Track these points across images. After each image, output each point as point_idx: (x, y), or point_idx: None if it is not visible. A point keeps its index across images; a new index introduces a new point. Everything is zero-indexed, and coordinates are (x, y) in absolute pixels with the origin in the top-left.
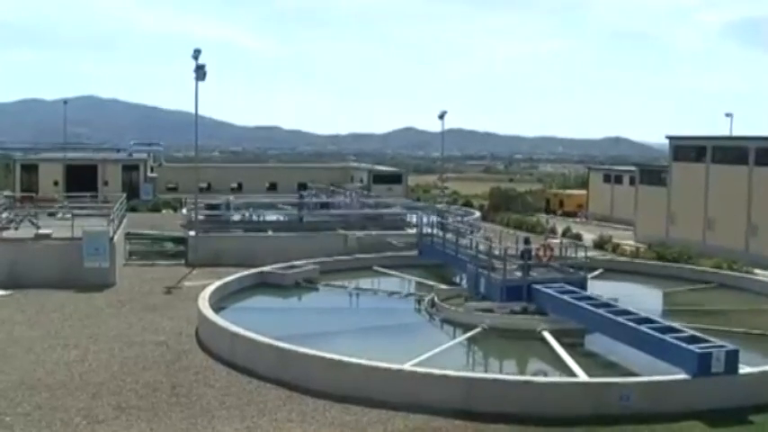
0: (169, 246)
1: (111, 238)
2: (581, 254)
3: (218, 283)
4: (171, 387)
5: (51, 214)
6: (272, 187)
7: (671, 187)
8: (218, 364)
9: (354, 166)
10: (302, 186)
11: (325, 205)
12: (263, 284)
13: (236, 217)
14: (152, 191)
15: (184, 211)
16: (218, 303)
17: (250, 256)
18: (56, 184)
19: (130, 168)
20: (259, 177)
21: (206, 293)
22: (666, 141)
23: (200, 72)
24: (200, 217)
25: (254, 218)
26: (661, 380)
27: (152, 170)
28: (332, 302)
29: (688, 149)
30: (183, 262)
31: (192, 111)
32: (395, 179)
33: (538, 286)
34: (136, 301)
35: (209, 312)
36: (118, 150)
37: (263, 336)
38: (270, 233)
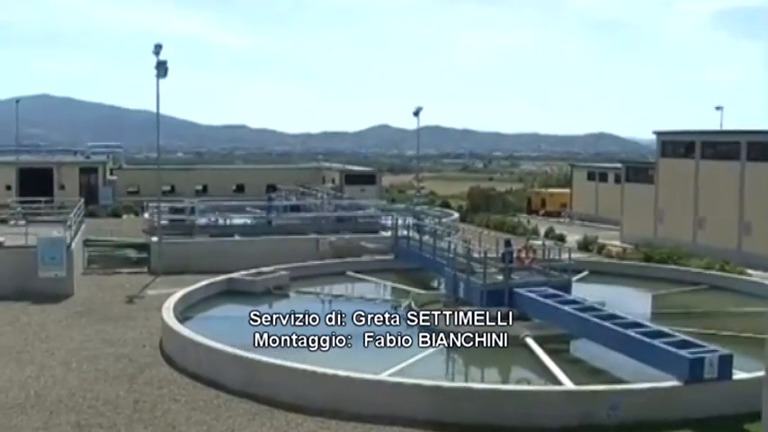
0: (131, 253)
1: (69, 246)
2: (565, 256)
3: (183, 292)
4: (133, 402)
5: (3, 221)
6: (240, 189)
7: (659, 185)
8: (183, 377)
9: (326, 167)
10: (271, 188)
11: (295, 208)
12: (231, 292)
13: (202, 221)
14: (112, 195)
15: (147, 215)
16: (184, 313)
17: (217, 262)
18: (8, 188)
19: (88, 171)
20: (225, 179)
21: (170, 303)
22: (653, 136)
23: (162, 68)
24: (164, 222)
25: (221, 222)
26: (651, 387)
27: (111, 173)
28: (303, 310)
29: (676, 145)
30: (145, 270)
31: (154, 110)
32: (369, 179)
33: (520, 290)
34: (95, 312)
35: (173, 322)
36: (75, 152)
37: (230, 346)
38: (237, 238)
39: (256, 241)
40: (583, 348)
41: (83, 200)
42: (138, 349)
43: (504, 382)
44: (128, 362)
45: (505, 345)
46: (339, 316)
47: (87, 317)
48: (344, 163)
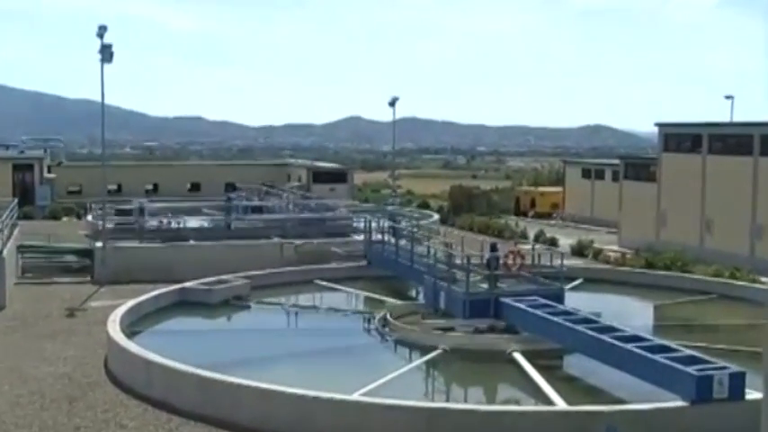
0: (71, 259)
1: (0, 252)
2: (557, 262)
3: (130, 303)
4: (74, 429)
5: None
6: (195, 188)
7: (661, 183)
8: (131, 398)
9: (292, 163)
10: (230, 187)
11: (257, 209)
12: (185, 303)
13: (152, 224)
14: (50, 194)
15: (90, 217)
16: (132, 327)
17: (169, 269)
18: None
19: (23, 168)
20: (179, 177)
21: (116, 315)
22: (655, 129)
23: (107, 53)
24: (109, 225)
25: (174, 225)
26: (653, 408)
27: (49, 170)
28: (266, 323)
29: (681, 138)
30: (88, 279)
31: (98, 99)
32: (339, 177)
33: (507, 300)
34: (31, 326)
35: (120, 338)
36: (7, 147)
37: (184, 364)
38: (192, 243)
39: (214, 246)
40: (577, 364)
41: (16, 200)
42: (80, 368)
43: (490, 401)
44: (68, 382)
45: (491, 360)
46: (306, 329)
47: (21, 332)
48: (312, 159)
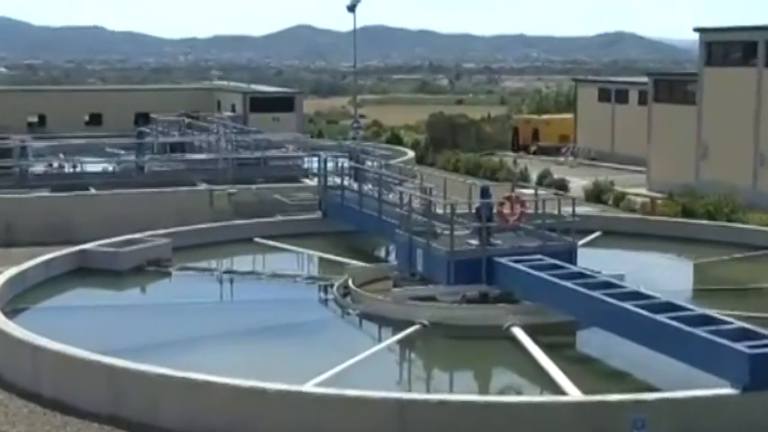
0: None
1: None
2: (567, 210)
3: (12, 272)
4: None
5: None
6: (95, 121)
7: (703, 106)
8: (13, 397)
9: (221, 87)
10: (142, 119)
11: (177, 147)
12: (85, 271)
13: (39, 168)
14: None
15: None
16: (14, 303)
17: (63, 227)
18: None
19: None
20: (73, 106)
21: None
22: (695, 36)
23: None
24: None
25: (68, 169)
26: (693, 396)
27: None
28: (192, 294)
29: (728, 47)
30: None
31: None
32: (284, 105)
33: (503, 260)
34: None
35: None
36: None
37: (86, 350)
38: (93, 192)
39: (121, 196)
40: (593, 342)
41: None
42: None
43: (483, 391)
44: None
45: (483, 338)
46: (244, 302)
47: None
48: (249, 82)
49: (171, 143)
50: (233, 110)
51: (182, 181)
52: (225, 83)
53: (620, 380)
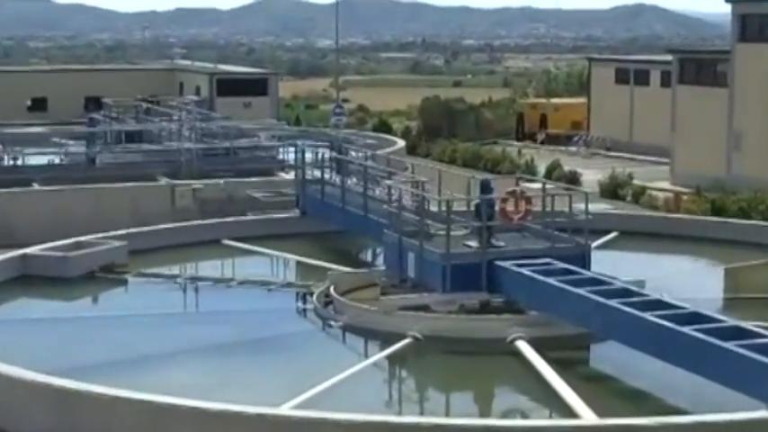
0: None
1: None
2: (579, 207)
3: None
4: None
5: None
6: (38, 106)
7: (736, 88)
8: None
9: (185, 67)
10: (93, 104)
11: (134, 136)
12: (28, 278)
13: None
14: None
15: None
16: None
17: (1, 228)
18: None
19: None
20: (13, 90)
21: None
22: (727, 8)
23: None
24: None
25: (8, 161)
26: (725, 420)
27: None
28: (152, 305)
29: (766, 21)
30: None
31: None
32: (256, 87)
33: (506, 264)
34: None
35: None
36: None
37: (30, 370)
38: (37, 188)
39: (69, 193)
40: (610, 357)
41: None
42: None
43: (484, 413)
44: None
45: (484, 353)
46: (211, 313)
47: None
48: (215, 61)
49: (126, 132)
50: (197, 93)
51: (139, 175)
52: (188, 62)
53: (641, 401)
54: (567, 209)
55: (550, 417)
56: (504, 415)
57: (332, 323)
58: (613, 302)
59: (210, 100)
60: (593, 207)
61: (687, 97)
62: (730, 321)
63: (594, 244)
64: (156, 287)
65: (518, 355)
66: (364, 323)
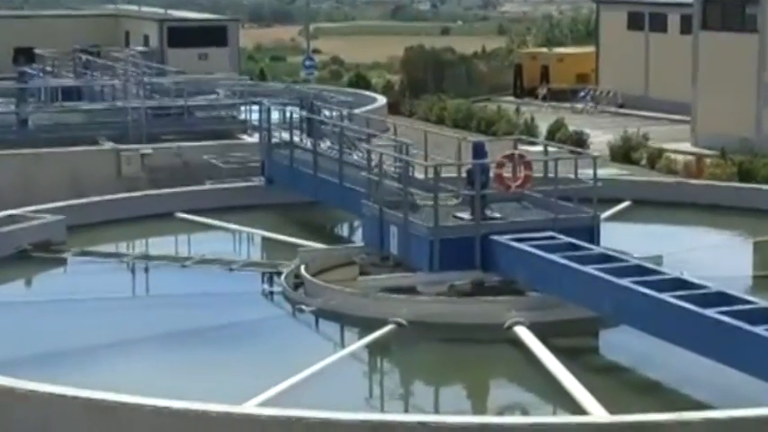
0: None
1: None
2: (587, 173)
3: None
4: None
5: None
6: None
7: (767, 34)
8: None
9: (130, 13)
10: (24, 56)
11: (73, 93)
12: None
13: None
14: None
15: None
16: None
17: None
18: None
19: None
20: None
21: None
22: None
23: None
24: None
25: None
26: (753, 416)
27: None
28: (95, 287)
29: None
30: None
31: None
32: (214, 37)
33: (502, 239)
34: None
35: None
36: None
37: None
38: None
39: None
40: (622, 345)
41: None
42: None
43: (478, 410)
44: None
45: (478, 341)
46: (163, 297)
47: None
48: (166, 6)
49: (63, 88)
50: (146, 44)
51: (78, 138)
52: (134, 8)
53: (657, 394)
54: (572, 175)
55: (554, 413)
56: (502, 411)
57: (303, 308)
58: (626, 282)
59: (161, 51)
60: (602, 172)
61: (711, 45)
62: (761, 303)
63: (604, 215)
64: (100, 267)
65: (517, 342)
66: (340, 307)
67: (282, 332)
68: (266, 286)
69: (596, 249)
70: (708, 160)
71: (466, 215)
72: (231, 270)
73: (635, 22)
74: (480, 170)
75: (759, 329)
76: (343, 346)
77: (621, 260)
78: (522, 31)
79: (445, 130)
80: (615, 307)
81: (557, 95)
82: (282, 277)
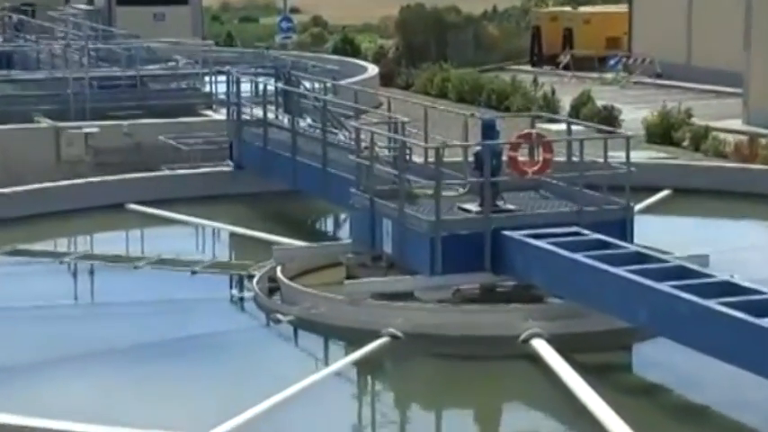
0: None
1: None
2: (619, 156)
3: None
4: None
5: None
6: None
7: None
8: None
9: None
10: None
11: (3, 61)
12: None
13: None
14: None
15: None
16: None
17: None
18: None
19: None
20: None
21: None
22: None
23: None
24: None
25: None
26: None
27: None
28: (32, 294)
29: None
30: None
31: None
32: None
33: (517, 235)
34: None
35: None
36: None
37: None
38: None
39: None
40: (660, 361)
41: None
42: None
43: None
44: None
45: (489, 357)
46: (113, 305)
47: None
48: None
49: None
50: (90, 2)
51: (9, 115)
52: None
53: (701, 420)
54: (600, 158)
55: None
56: None
57: (279, 317)
58: (665, 286)
59: (108, 10)
60: (636, 155)
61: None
62: None
63: (639, 206)
64: (35, 269)
65: (534, 358)
66: (323, 317)
67: (254, 346)
68: (235, 292)
69: (630, 247)
70: (763, 141)
71: (473, 207)
72: (193, 273)
73: None
74: (491, 153)
75: None
76: (326, 363)
77: (660, 260)
78: None
79: (449, 105)
80: (652, 316)
81: (582, 64)
82: (254, 281)
